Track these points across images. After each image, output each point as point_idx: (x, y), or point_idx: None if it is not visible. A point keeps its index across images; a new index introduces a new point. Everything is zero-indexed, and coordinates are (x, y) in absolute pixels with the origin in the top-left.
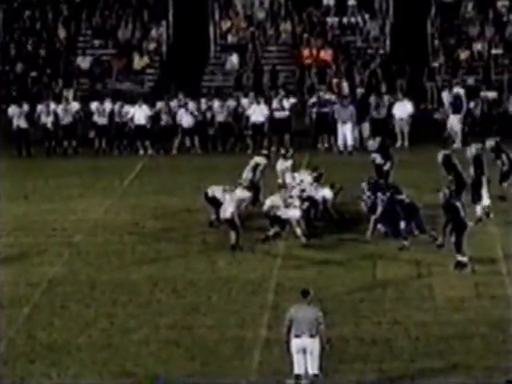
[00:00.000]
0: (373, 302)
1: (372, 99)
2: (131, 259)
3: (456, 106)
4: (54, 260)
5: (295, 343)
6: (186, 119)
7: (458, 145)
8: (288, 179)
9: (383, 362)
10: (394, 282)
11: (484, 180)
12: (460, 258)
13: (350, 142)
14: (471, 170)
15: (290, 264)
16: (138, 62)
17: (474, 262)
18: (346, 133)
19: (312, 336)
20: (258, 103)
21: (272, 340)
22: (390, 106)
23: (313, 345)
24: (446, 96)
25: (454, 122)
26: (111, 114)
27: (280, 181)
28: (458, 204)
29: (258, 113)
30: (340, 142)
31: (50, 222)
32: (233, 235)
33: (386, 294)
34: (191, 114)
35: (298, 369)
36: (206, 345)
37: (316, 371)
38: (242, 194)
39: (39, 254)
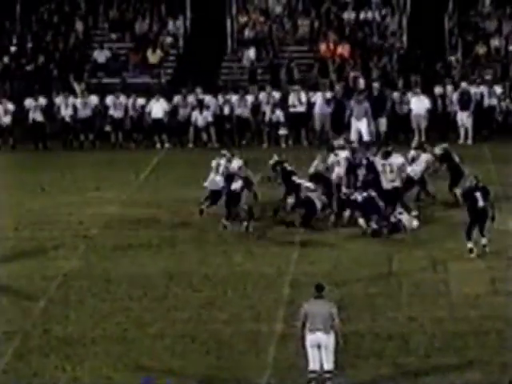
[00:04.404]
0: (388, 297)
1: (395, 95)
2: (147, 253)
3: (464, 102)
4: (69, 254)
5: (310, 338)
6: (200, 119)
7: (469, 141)
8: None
9: (398, 357)
10: (409, 278)
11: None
12: (470, 245)
13: (366, 136)
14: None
15: (306, 259)
16: (152, 55)
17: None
18: (361, 128)
19: (327, 331)
20: (275, 108)
21: (287, 335)
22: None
23: (328, 340)
24: (455, 93)
25: (463, 119)
26: (127, 107)
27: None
28: (478, 194)
29: (274, 118)
30: (353, 137)
31: (66, 215)
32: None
33: (401, 290)
34: (207, 108)
35: (313, 364)
36: (221, 339)
37: (331, 367)
38: (236, 164)
39: (55, 248)
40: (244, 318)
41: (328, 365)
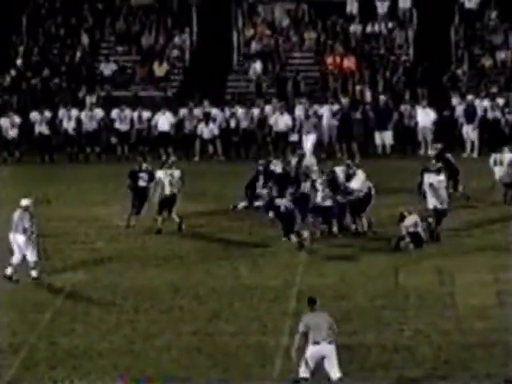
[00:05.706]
0: (395, 309)
1: (403, 108)
2: (153, 265)
3: (469, 114)
4: (76, 266)
5: (313, 350)
6: (206, 131)
7: (475, 154)
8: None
9: (405, 369)
10: (416, 290)
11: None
12: None
13: (308, 150)
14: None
15: (312, 271)
16: (158, 68)
17: None
18: (307, 143)
19: (330, 342)
20: (282, 113)
21: None
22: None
23: (331, 351)
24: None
25: (469, 132)
26: (132, 120)
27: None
28: None
29: (281, 123)
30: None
31: (73, 227)
32: None
33: (408, 302)
34: (213, 120)
35: (303, 372)
36: (227, 351)
37: (338, 375)
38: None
39: (61, 260)
40: (250, 331)
41: (335, 373)
